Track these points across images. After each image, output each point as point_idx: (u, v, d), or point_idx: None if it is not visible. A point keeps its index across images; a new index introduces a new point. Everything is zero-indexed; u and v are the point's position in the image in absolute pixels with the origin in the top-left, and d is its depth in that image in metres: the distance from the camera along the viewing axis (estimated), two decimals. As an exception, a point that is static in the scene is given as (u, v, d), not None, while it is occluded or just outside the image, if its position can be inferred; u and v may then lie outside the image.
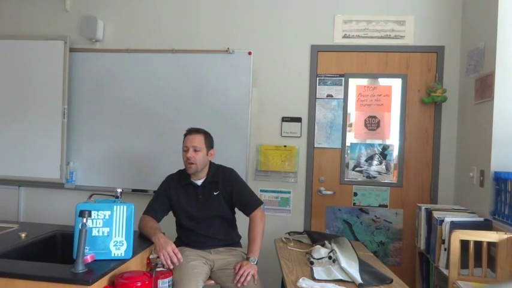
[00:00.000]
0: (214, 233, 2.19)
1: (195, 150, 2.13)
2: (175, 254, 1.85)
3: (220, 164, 2.31)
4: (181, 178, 2.24)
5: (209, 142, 2.22)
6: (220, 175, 2.24)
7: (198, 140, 2.15)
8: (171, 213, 2.26)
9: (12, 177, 3.10)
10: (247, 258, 2.03)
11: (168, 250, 1.84)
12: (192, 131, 2.20)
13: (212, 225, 2.19)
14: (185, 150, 2.16)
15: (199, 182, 2.21)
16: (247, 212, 2.20)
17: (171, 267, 1.84)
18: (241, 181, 2.29)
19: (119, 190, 1.78)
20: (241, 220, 2.28)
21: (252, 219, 2.17)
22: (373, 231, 2.86)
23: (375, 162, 2.87)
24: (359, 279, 1.73)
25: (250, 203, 2.21)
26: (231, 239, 2.25)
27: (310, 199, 2.91)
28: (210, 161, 2.26)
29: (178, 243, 2.21)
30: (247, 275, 1.93)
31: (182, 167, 2.29)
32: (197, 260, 2.06)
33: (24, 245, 1.79)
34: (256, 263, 2.03)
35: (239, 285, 1.93)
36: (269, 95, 2.94)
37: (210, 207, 2.18)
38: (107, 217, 1.63)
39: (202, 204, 2.18)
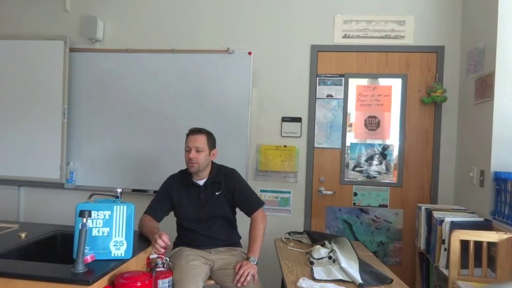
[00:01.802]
0: (215, 233, 2.19)
1: (198, 151, 2.13)
2: (161, 238, 1.80)
3: (220, 164, 2.31)
4: (183, 178, 2.24)
5: (212, 142, 2.22)
6: (223, 175, 2.24)
7: (201, 141, 2.15)
8: (171, 213, 2.26)
9: (12, 177, 3.09)
10: (248, 258, 2.03)
11: (156, 236, 1.81)
12: (194, 131, 2.20)
13: (213, 225, 2.19)
14: (187, 150, 2.16)
15: (201, 182, 2.21)
16: (249, 212, 2.21)
17: (161, 251, 1.79)
18: (243, 182, 2.30)
19: (119, 190, 1.78)
20: (242, 221, 2.29)
21: (254, 219, 2.17)
22: (373, 231, 2.86)
23: (375, 162, 2.87)
24: (359, 279, 1.73)
25: (252, 204, 2.21)
26: (231, 239, 2.25)
27: (310, 199, 2.91)
28: (212, 161, 2.26)
29: (179, 243, 2.22)
30: (247, 275, 1.93)
31: (183, 166, 2.29)
32: (197, 260, 2.06)
33: (24, 245, 1.79)
34: (256, 263, 2.04)
35: (239, 285, 1.92)
36: (269, 95, 2.94)
37: (212, 208, 2.18)
38: (107, 217, 1.63)
39: (203, 205, 2.18)
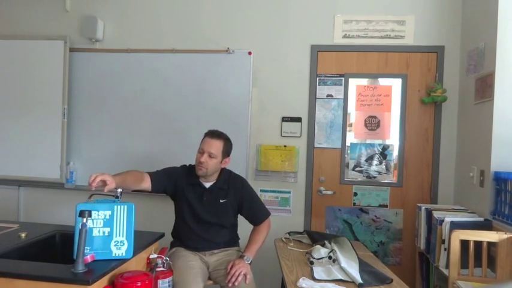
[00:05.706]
0: (213, 236, 2.15)
1: (210, 156, 2.07)
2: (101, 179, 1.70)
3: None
4: (191, 175, 2.17)
5: (226, 150, 2.15)
6: (231, 183, 2.19)
7: (216, 147, 2.09)
8: (171, 213, 2.25)
9: (12, 177, 3.09)
10: (242, 256, 2.02)
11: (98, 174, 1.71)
12: (213, 135, 2.12)
13: (211, 229, 2.15)
14: (200, 152, 2.10)
15: (207, 185, 2.16)
16: (255, 223, 2.20)
17: (93, 185, 1.70)
18: (252, 191, 2.26)
19: (119, 190, 1.78)
20: (243, 222, 2.28)
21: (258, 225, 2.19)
22: (373, 231, 2.86)
23: (375, 162, 2.87)
24: (359, 279, 1.73)
25: (258, 215, 2.21)
26: (227, 243, 2.20)
27: (310, 199, 2.91)
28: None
29: (175, 243, 2.19)
30: (238, 275, 1.92)
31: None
32: (196, 260, 2.06)
33: (24, 245, 1.79)
34: (251, 263, 2.03)
35: (230, 285, 1.91)
36: (269, 95, 2.93)
37: (214, 215, 2.14)
38: (107, 217, 1.62)
39: (205, 208, 2.13)
